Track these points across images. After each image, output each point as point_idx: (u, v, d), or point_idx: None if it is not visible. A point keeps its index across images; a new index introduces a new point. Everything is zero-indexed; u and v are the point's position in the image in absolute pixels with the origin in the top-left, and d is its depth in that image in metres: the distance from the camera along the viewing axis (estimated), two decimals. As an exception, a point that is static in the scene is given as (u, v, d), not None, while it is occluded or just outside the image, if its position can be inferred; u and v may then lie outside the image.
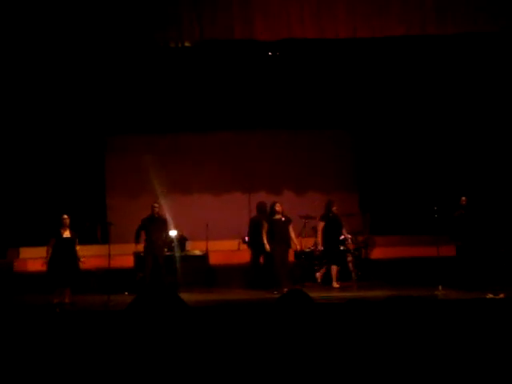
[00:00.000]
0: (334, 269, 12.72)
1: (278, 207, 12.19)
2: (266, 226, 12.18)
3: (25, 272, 13.35)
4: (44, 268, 11.26)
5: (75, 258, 11.35)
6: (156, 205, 12.55)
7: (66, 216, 11.40)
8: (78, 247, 11.44)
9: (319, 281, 13.14)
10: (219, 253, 14.18)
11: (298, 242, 12.88)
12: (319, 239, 12.94)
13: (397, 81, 14.81)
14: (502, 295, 10.18)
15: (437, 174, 14.87)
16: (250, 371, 2.83)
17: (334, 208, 12.90)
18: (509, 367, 3.00)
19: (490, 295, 10.40)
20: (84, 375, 2.91)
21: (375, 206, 15.48)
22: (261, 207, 13.46)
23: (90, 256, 12.11)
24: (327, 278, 12.92)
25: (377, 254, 14.09)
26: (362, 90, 15.08)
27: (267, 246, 12.09)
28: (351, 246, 13.58)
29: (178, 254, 13.02)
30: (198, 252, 13.58)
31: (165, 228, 12.70)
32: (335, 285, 12.57)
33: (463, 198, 12.39)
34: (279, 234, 12.08)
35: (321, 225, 12.82)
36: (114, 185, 15.47)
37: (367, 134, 15.79)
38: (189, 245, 13.74)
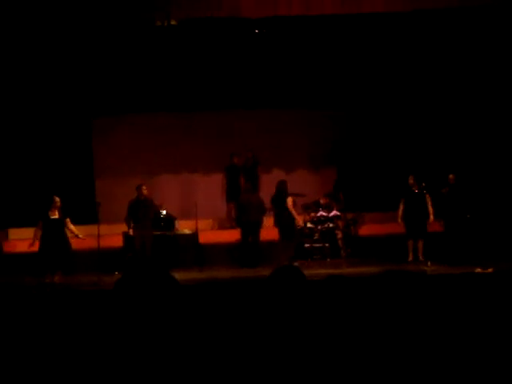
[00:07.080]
0: None
1: None
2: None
3: (14, 253, 13.32)
4: (31, 249, 11.25)
5: (65, 239, 11.34)
6: (144, 187, 12.50)
7: (57, 198, 11.38)
8: (73, 227, 11.42)
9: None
10: (208, 232, 14.18)
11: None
12: None
13: (384, 59, 14.66)
14: (490, 270, 10.26)
15: (426, 151, 14.81)
16: (242, 350, 2.83)
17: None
18: (496, 342, 3.03)
19: (479, 270, 10.48)
20: (74, 356, 2.91)
21: (358, 183, 15.32)
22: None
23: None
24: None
25: (365, 230, 14.15)
26: (348, 69, 14.89)
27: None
28: (340, 223, 13.64)
29: (167, 233, 13.02)
30: (187, 231, 13.57)
31: (153, 208, 12.70)
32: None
33: (451, 176, 12.45)
34: None
35: None
36: (101, 165, 15.37)
37: (352, 113, 15.58)
38: (178, 224, 13.72)
